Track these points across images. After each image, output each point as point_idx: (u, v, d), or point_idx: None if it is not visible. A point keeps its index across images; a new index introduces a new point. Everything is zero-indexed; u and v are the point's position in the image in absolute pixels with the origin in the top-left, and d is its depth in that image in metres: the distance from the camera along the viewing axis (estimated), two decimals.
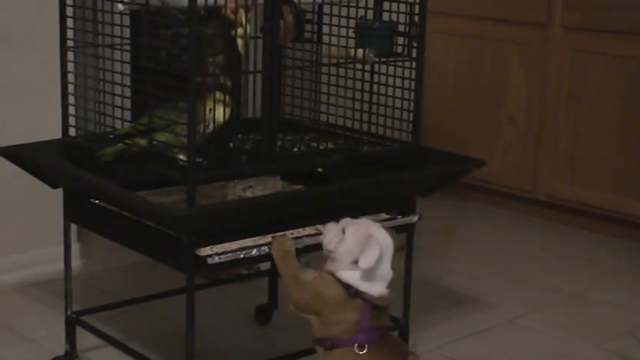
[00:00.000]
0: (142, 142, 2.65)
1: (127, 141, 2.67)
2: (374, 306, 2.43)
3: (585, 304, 3.71)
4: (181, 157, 2.55)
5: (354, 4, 2.94)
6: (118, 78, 2.75)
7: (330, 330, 2.44)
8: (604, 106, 4.35)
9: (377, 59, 2.86)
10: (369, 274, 2.40)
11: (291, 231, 2.62)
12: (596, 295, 3.79)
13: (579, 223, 4.55)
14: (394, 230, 2.51)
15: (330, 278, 2.43)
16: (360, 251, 2.37)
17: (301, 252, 2.54)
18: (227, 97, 2.60)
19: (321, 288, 2.43)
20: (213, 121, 2.59)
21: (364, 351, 2.43)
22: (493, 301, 3.67)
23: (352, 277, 2.41)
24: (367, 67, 2.95)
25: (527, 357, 3.24)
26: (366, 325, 2.43)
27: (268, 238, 2.55)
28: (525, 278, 3.93)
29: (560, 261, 4.16)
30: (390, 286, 2.45)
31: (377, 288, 2.42)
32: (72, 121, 2.88)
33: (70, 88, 2.87)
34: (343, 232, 2.42)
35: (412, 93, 2.88)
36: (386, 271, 2.43)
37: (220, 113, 2.59)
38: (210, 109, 2.57)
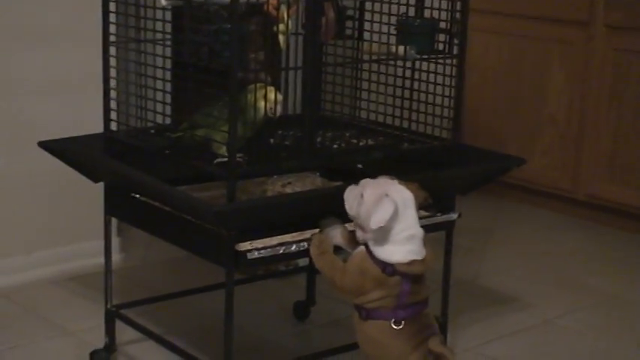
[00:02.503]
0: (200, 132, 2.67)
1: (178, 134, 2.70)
2: (413, 280, 2.43)
3: (625, 304, 3.68)
4: (222, 152, 2.56)
5: (396, 2, 2.93)
6: (159, 73, 2.77)
7: (369, 305, 2.44)
8: None
9: (418, 56, 2.86)
10: (388, 236, 2.38)
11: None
12: (636, 295, 3.76)
13: (619, 224, 4.51)
14: (417, 185, 2.48)
15: (367, 258, 2.42)
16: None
17: (340, 250, 2.54)
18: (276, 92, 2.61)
19: (360, 270, 2.42)
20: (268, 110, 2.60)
21: (400, 326, 2.42)
22: (531, 300, 3.65)
23: (383, 250, 2.41)
24: (408, 64, 2.95)
25: (565, 357, 3.23)
26: (405, 302, 2.43)
27: (307, 234, 2.55)
28: (564, 278, 3.91)
29: (599, 261, 4.13)
30: (427, 244, 2.43)
31: (406, 250, 2.40)
32: (113, 115, 2.89)
33: (112, 83, 2.89)
34: (362, 195, 2.41)
35: (453, 90, 2.88)
36: (411, 228, 2.41)
37: (272, 102, 2.59)
38: (263, 97, 2.57)
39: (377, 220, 2.35)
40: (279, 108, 2.60)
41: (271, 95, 2.58)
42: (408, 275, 2.41)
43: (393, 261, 2.39)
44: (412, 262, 2.40)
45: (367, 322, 2.46)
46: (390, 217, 2.35)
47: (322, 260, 2.48)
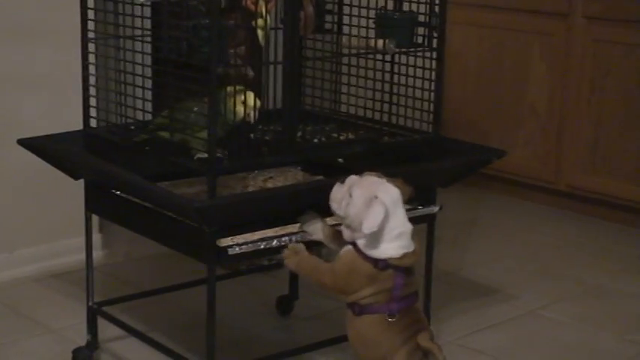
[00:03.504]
0: (165, 135, 2.66)
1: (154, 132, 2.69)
2: (406, 272, 2.43)
3: (607, 295, 3.69)
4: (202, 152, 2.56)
5: None
6: (138, 69, 2.76)
7: (363, 301, 2.44)
8: (626, 96, 4.33)
9: (397, 50, 2.86)
10: (379, 235, 2.38)
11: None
12: (619, 286, 3.78)
13: (601, 214, 4.53)
14: (401, 181, 2.48)
15: (356, 257, 2.42)
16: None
17: (314, 247, 2.54)
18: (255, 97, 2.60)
19: (349, 270, 2.43)
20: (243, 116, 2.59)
21: (395, 319, 2.43)
22: (515, 292, 3.66)
23: (375, 250, 2.40)
24: (387, 58, 2.94)
25: (548, 348, 3.24)
26: (399, 294, 2.43)
27: (289, 229, 2.55)
28: (547, 269, 3.92)
29: (582, 252, 4.15)
30: (414, 238, 2.44)
31: (397, 246, 2.41)
32: (93, 112, 2.89)
33: (91, 80, 2.88)
34: (350, 195, 2.41)
35: (433, 83, 2.88)
36: (401, 226, 2.41)
37: (251, 108, 2.58)
38: (242, 102, 2.56)
39: (369, 225, 2.35)
40: (256, 114, 2.59)
41: (250, 101, 2.57)
42: (401, 268, 2.42)
43: (385, 257, 2.40)
44: (404, 255, 2.41)
45: (361, 318, 2.46)
46: (381, 221, 2.36)
47: (304, 267, 2.47)
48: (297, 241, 2.53)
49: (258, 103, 2.60)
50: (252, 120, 2.59)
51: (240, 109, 2.56)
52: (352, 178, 2.44)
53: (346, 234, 2.44)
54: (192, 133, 2.56)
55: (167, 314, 3.33)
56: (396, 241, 2.41)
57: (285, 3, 2.62)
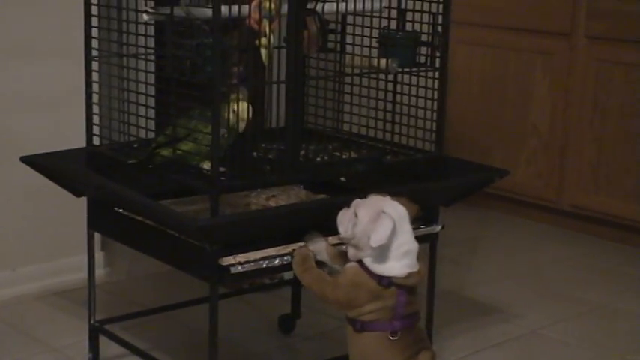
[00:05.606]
0: (166, 152, 2.66)
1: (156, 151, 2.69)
2: (408, 291, 2.43)
3: (610, 315, 3.69)
4: (205, 166, 2.56)
5: (378, 15, 2.94)
6: (142, 88, 2.77)
7: (365, 317, 2.44)
8: (628, 116, 4.33)
9: (400, 69, 2.87)
10: (386, 252, 2.39)
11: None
12: (621, 305, 3.77)
13: (604, 234, 4.53)
14: (406, 199, 2.49)
15: (361, 272, 2.42)
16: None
17: (323, 265, 2.54)
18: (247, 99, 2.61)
19: (353, 284, 2.43)
20: (237, 122, 2.60)
21: (397, 337, 2.42)
22: (517, 311, 3.65)
23: (382, 266, 2.40)
24: (390, 77, 2.95)
25: None
26: (401, 312, 2.43)
27: (291, 248, 2.55)
28: (549, 289, 3.91)
29: (584, 272, 4.14)
30: (419, 258, 2.45)
31: (403, 265, 2.41)
32: (96, 130, 2.89)
33: (95, 98, 2.89)
34: (356, 215, 2.41)
35: (435, 103, 2.89)
36: (407, 243, 2.42)
37: (243, 111, 2.59)
38: (233, 111, 2.57)
39: (378, 239, 2.36)
40: (242, 125, 2.59)
41: (241, 112, 2.58)
42: (405, 287, 2.42)
43: (390, 275, 2.40)
44: (409, 275, 2.41)
45: (362, 334, 2.46)
46: (390, 234, 2.36)
47: (308, 276, 2.47)
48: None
49: (249, 114, 2.60)
50: (239, 130, 2.59)
51: (232, 117, 2.57)
52: (357, 201, 2.45)
53: (351, 253, 2.44)
54: (194, 149, 2.57)
55: (169, 332, 3.33)
56: (402, 259, 2.41)
57: (289, 22, 2.63)
